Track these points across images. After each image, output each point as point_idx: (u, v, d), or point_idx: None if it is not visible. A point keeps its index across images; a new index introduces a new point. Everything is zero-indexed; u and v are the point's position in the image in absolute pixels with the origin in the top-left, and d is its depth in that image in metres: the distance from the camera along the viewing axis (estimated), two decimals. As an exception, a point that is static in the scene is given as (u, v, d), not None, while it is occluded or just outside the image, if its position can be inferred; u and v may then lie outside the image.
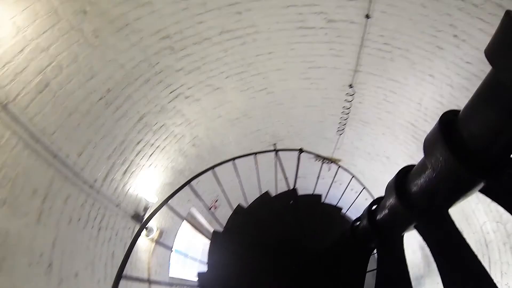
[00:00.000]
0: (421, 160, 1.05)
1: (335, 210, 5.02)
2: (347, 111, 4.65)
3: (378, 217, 1.48)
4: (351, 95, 4.30)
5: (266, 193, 4.77)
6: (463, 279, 1.00)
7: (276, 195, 4.89)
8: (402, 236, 1.52)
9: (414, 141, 4.28)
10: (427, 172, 0.98)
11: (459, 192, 0.89)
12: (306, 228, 3.56)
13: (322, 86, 4.37)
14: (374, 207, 1.63)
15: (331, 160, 5.87)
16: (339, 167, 4.71)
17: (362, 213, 1.73)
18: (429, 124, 3.89)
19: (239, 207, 3.98)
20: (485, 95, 0.76)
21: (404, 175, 1.20)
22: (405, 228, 1.31)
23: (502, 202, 0.89)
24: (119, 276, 1.90)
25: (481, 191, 0.88)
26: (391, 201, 1.23)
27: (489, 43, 0.67)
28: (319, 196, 5.35)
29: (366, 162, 5.66)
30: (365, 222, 1.61)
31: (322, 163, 6.10)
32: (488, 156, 0.78)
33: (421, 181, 1.03)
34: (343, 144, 5.57)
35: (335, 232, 2.94)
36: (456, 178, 0.83)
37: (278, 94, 4.45)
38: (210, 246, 3.27)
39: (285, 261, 3.03)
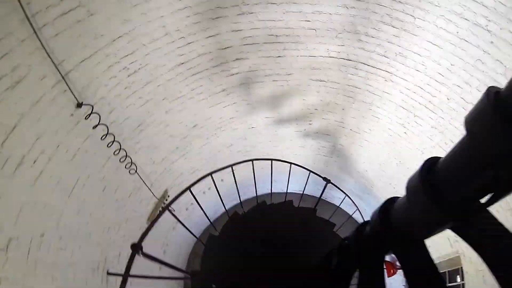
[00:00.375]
0: (402, 197, 1.17)
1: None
2: (109, 138, 2.85)
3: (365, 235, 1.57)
4: (92, 114, 2.49)
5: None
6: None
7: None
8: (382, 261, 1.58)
9: (199, 76, 3.26)
10: (406, 208, 1.13)
11: (432, 227, 1.02)
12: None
13: (61, 154, 2.27)
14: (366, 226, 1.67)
15: (164, 209, 4.10)
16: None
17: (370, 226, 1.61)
18: (194, 44, 2.91)
19: None
20: (458, 155, 0.84)
21: (390, 204, 1.29)
22: (385, 251, 1.47)
23: (469, 241, 0.99)
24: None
25: (452, 229, 1.01)
26: (375, 225, 1.35)
27: (469, 112, 0.74)
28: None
29: (182, 158, 4.27)
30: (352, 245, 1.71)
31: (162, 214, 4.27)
32: (459, 202, 0.87)
33: (400, 213, 1.20)
34: (148, 177, 3.83)
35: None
36: (429, 216, 0.96)
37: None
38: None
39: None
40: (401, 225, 1.18)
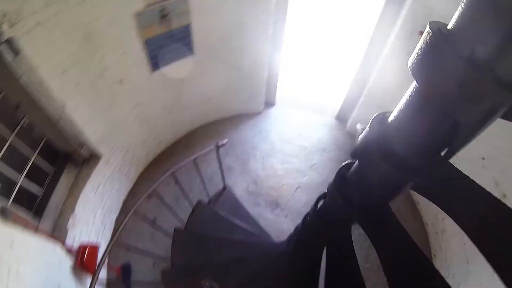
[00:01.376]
0: (355, 166, 1.09)
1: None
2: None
3: (326, 213, 1.49)
4: None
5: None
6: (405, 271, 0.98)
7: None
8: (350, 231, 1.49)
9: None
10: (363, 177, 1.03)
11: (391, 189, 0.94)
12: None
13: None
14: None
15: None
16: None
17: (308, 211, 1.65)
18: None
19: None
20: (411, 105, 0.74)
21: (343, 177, 1.19)
22: (349, 224, 1.37)
23: (430, 197, 0.92)
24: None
25: (414, 189, 0.93)
26: (335, 201, 1.25)
27: (412, 57, 0.66)
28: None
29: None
30: (314, 219, 1.57)
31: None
32: (415, 157, 0.81)
33: (356, 180, 1.08)
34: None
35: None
36: (388, 178, 0.89)
37: None
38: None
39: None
40: (359, 192, 1.07)
